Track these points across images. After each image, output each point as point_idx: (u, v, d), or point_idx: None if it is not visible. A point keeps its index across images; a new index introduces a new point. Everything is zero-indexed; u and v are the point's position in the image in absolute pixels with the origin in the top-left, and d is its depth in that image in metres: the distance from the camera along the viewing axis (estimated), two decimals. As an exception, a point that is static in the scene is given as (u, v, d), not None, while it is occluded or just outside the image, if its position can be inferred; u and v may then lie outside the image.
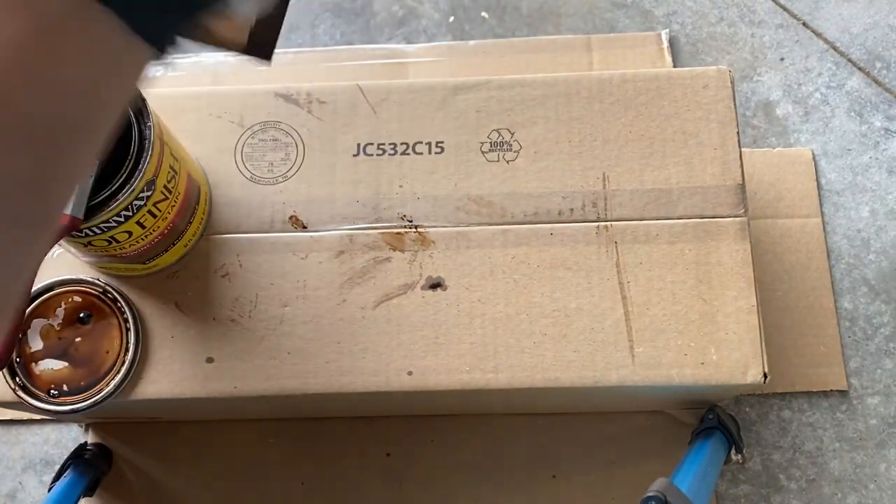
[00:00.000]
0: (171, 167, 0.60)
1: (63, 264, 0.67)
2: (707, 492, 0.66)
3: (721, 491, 0.81)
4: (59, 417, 0.79)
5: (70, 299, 0.64)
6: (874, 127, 0.92)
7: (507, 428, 0.82)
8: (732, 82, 0.69)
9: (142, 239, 0.61)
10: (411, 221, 0.67)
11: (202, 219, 0.66)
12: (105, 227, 0.57)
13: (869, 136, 0.92)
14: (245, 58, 0.42)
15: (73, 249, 0.62)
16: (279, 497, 0.81)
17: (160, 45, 0.31)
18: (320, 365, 0.64)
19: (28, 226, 0.31)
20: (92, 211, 0.55)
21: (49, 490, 0.76)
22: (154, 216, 0.60)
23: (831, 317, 0.85)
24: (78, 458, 0.79)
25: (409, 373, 0.63)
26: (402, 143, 0.69)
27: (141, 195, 0.57)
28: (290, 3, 0.42)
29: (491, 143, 0.68)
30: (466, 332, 0.64)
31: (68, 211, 0.54)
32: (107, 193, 0.56)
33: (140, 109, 0.57)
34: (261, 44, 0.42)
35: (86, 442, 0.82)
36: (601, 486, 0.80)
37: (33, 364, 0.62)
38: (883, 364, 0.84)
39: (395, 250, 0.66)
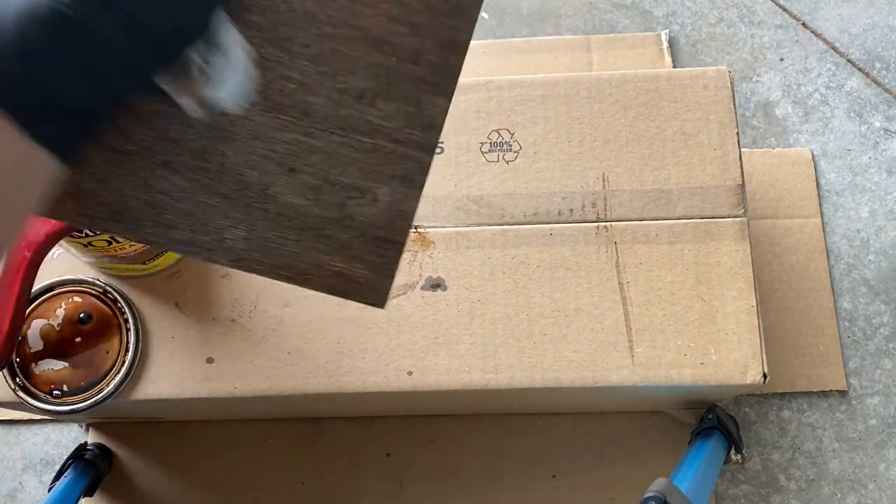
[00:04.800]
0: (172, 167, 0.60)
1: (63, 264, 0.67)
2: (707, 492, 0.66)
3: (721, 491, 0.81)
4: (59, 417, 0.79)
5: (70, 299, 0.64)
6: (874, 127, 0.92)
7: (507, 428, 0.82)
8: (732, 83, 0.69)
9: (142, 239, 0.61)
10: (411, 221, 0.67)
11: (202, 219, 0.66)
12: (105, 227, 0.57)
13: (868, 136, 0.92)
14: None
15: (73, 250, 0.62)
16: (279, 497, 0.81)
17: (65, 156, 0.29)
18: (320, 365, 0.64)
19: None
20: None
21: (49, 490, 0.76)
22: (154, 216, 0.60)
23: (831, 317, 0.85)
24: (78, 458, 0.79)
25: (409, 373, 0.63)
26: (402, 144, 0.69)
27: (141, 195, 0.57)
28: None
29: (491, 143, 0.68)
30: (466, 332, 0.64)
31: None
32: (107, 193, 0.55)
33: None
34: None
35: (86, 442, 0.82)
36: (601, 486, 0.80)
37: (33, 364, 0.62)
38: (882, 364, 0.84)
39: (395, 250, 0.66)
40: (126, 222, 0.36)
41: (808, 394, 0.84)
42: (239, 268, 0.38)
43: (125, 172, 0.35)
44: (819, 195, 0.90)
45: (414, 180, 0.38)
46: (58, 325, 0.63)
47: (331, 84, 0.35)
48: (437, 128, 0.37)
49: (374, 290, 0.40)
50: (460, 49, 0.36)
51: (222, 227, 0.37)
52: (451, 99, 0.37)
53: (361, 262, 0.39)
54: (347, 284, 0.39)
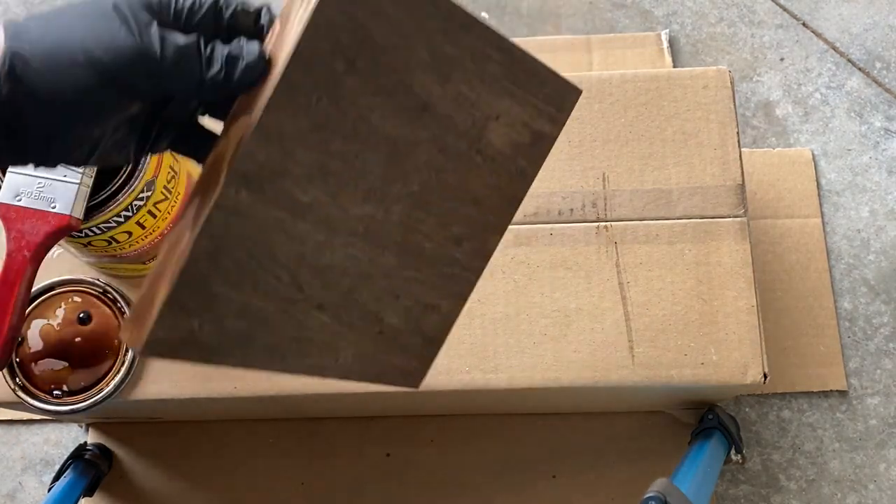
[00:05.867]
0: (171, 167, 0.60)
1: (63, 264, 0.67)
2: (707, 492, 0.66)
3: (721, 491, 0.81)
4: (59, 417, 0.79)
5: (70, 299, 0.64)
6: (874, 127, 0.92)
7: (508, 428, 0.82)
8: (732, 83, 0.69)
9: (142, 239, 0.61)
10: (411, 221, 0.67)
11: (202, 219, 0.66)
12: (105, 227, 0.57)
13: (869, 136, 0.92)
14: None
15: (73, 249, 0.62)
16: (279, 497, 0.81)
17: None
18: (320, 365, 0.64)
19: None
20: (92, 211, 0.55)
21: (49, 490, 0.76)
22: (154, 216, 0.60)
23: (831, 317, 0.85)
24: (78, 458, 0.79)
25: (409, 373, 0.63)
26: (402, 144, 0.69)
27: (140, 195, 0.57)
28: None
29: (491, 143, 0.68)
30: (466, 332, 0.64)
31: (68, 211, 0.54)
32: (106, 194, 0.56)
33: (140, 109, 0.57)
34: None
35: (86, 442, 0.82)
36: (601, 486, 0.80)
37: (33, 364, 0.62)
38: (883, 364, 0.84)
39: (395, 250, 0.66)
40: (278, 359, 0.42)
41: (809, 394, 0.84)
42: (338, 379, 0.45)
43: (288, 317, 0.41)
44: (819, 195, 0.90)
45: (465, 294, 0.49)
46: (58, 325, 0.63)
47: (443, 233, 0.45)
48: (489, 256, 0.48)
49: (418, 377, 0.50)
50: (518, 203, 0.47)
51: (340, 348, 0.44)
52: (502, 236, 0.48)
53: (417, 358, 0.49)
54: (405, 377, 0.49)
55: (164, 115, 0.38)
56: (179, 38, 0.34)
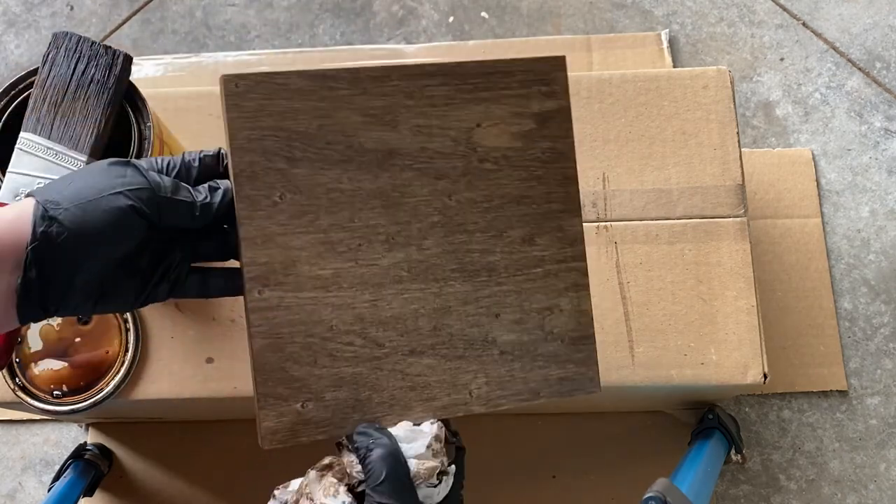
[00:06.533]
0: (171, 167, 0.60)
1: (63, 264, 0.67)
2: (707, 492, 0.66)
3: (721, 491, 0.81)
4: (59, 417, 0.79)
5: (70, 299, 0.64)
6: (874, 127, 0.92)
7: (508, 428, 0.82)
8: (732, 83, 0.69)
9: (142, 239, 0.61)
10: (411, 221, 0.67)
11: (202, 219, 0.66)
12: (105, 227, 0.57)
13: (869, 136, 0.92)
14: None
15: (73, 249, 0.62)
16: (279, 497, 0.81)
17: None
18: (320, 365, 0.64)
19: None
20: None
21: (49, 490, 0.76)
22: (154, 216, 0.60)
23: (831, 317, 0.85)
24: (78, 458, 0.79)
25: (409, 373, 0.63)
26: (402, 144, 0.69)
27: (141, 195, 0.57)
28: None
29: (491, 143, 0.68)
30: (466, 332, 0.64)
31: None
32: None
33: (139, 109, 0.57)
34: None
35: (86, 442, 0.82)
36: (601, 486, 0.80)
37: (33, 364, 0.62)
38: (883, 364, 0.84)
39: (395, 250, 0.66)
40: (403, 411, 0.44)
41: (809, 394, 0.84)
42: (490, 409, 0.48)
43: (386, 371, 0.44)
44: (819, 195, 0.90)
45: (581, 284, 0.49)
46: (57, 325, 0.63)
47: (501, 242, 0.46)
48: (580, 239, 0.49)
49: (588, 380, 0.50)
50: (573, 179, 0.48)
51: (466, 381, 0.46)
52: (581, 215, 0.49)
53: (571, 361, 0.49)
54: (568, 384, 0.49)
55: (165, 255, 0.44)
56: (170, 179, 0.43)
